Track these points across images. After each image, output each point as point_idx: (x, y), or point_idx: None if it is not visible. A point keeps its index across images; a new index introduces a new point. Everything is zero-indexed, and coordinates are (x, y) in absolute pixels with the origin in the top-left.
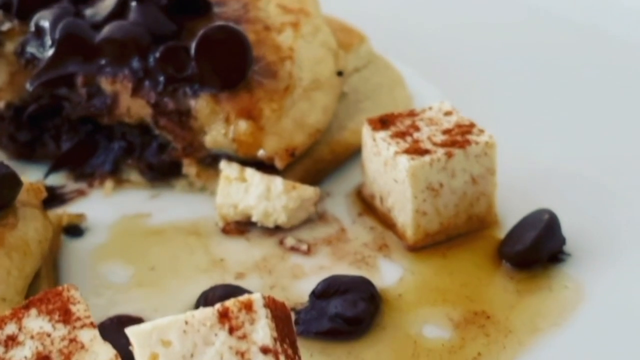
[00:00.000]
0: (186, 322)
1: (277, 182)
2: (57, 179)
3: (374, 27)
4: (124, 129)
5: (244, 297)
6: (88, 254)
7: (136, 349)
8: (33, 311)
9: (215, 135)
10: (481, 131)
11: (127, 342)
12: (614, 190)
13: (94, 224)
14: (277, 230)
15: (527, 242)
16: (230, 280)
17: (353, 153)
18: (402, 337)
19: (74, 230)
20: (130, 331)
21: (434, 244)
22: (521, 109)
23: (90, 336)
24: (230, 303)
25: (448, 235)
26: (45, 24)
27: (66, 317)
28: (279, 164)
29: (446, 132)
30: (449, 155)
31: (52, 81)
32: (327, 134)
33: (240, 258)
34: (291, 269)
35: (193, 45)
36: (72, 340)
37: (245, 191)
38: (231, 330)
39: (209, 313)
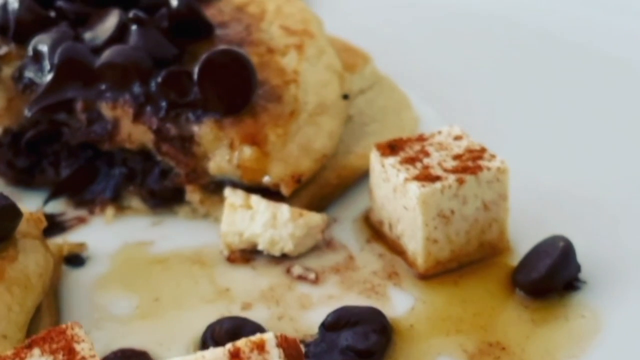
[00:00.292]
0: None
1: (284, 209)
2: (56, 206)
3: (376, 47)
4: (125, 154)
5: (256, 337)
6: (89, 284)
7: None
8: (36, 351)
9: (219, 162)
10: (492, 156)
11: None
12: (628, 215)
13: (95, 252)
14: (283, 258)
15: (542, 270)
16: (236, 311)
17: (359, 177)
18: None
19: (75, 259)
20: None
21: (445, 271)
22: (530, 132)
23: None
24: (241, 343)
25: (459, 263)
26: (44, 48)
27: (70, 356)
28: (285, 190)
29: (457, 157)
30: (461, 182)
31: (51, 106)
32: (333, 158)
33: (246, 287)
34: (299, 299)
35: (196, 70)
36: None
37: (251, 219)
38: None
39: (219, 353)
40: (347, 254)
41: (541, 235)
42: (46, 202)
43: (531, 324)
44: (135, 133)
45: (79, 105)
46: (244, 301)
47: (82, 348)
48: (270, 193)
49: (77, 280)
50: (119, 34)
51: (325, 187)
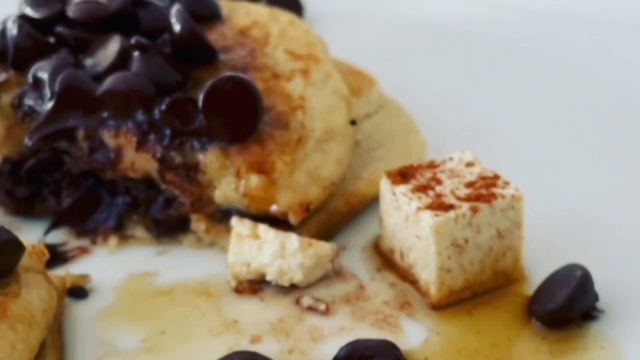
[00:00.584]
0: None
1: (292, 239)
2: (58, 236)
3: (379, 69)
4: (128, 183)
5: None
6: (93, 318)
7: None
8: None
9: (225, 190)
10: (506, 183)
11: None
12: None
13: (99, 284)
14: (292, 288)
15: (560, 300)
16: (245, 344)
17: (368, 204)
18: None
19: (78, 292)
20: None
21: (458, 301)
22: (541, 156)
23: None
24: None
25: (473, 292)
26: (44, 75)
27: None
28: (293, 219)
29: (469, 184)
30: (475, 210)
31: (52, 135)
32: (341, 185)
33: (254, 319)
34: (309, 331)
35: (201, 98)
36: None
37: (259, 249)
38: None
39: None
40: (357, 283)
41: (556, 263)
42: (47, 232)
43: (549, 356)
44: (139, 161)
45: (80, 134)
46: (252, 334)
47: None
48: (278, 222)
49: (80, 313)
50: (121, 61)
51: (334, 215)
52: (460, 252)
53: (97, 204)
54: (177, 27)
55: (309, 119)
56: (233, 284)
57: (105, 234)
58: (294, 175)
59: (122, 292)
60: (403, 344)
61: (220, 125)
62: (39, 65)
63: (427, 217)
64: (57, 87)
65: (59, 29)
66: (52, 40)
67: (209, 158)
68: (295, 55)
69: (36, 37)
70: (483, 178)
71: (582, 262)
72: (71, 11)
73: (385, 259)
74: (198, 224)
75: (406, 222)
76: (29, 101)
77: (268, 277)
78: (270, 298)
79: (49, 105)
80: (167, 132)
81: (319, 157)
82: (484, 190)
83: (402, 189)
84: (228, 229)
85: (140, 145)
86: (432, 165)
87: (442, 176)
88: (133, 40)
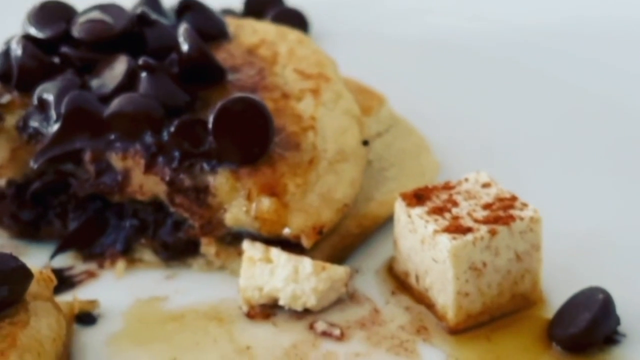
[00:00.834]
0: None
1: (306, 263)
2: (64, 260)
3: (388, 87)
4: (136, 206)
5: None
6: (102, 344)
7: None
8: None
9: (236, 213)
10: (524, 205)
11: None
12: None
13: (107, 309)
14: (305, 313)
15: (582, 325)
16: None
17: (381, 225)
18: None
19: (86, 318)
20: None
21: (476, 325)
22: (557, 176)
23: None
24: None
25: (491, 316)
26: (49, 96)
27: None
28: (305, 242)
29: (487, 206)
30: (493, 233)
31: (58, 157)
32: (354, 206)
33: (267, 345)
34: (324, 357)
35: (211, 119)
36: None
37: (271, 273)
38: None
39: None
40: (372, 307)
41: (574, 286)
42: (53, 256)
43: None
44: (147, 184)
45: (87, 156)
46: None
47: None
48: (289, 244)
49: (89, 340)
50: (128, 82)
51: (346, 237)
52: (478, 275)
53: (104, 227)
54: (185, 47)
55: (320, 139)
56: (245, 308)
57: (112, 258)
58: (306, 197)
59: (131, 318)
60: None
61: (231, 147)
62: (45, 87)
63: (445, 240)
64: (63, 109)
65: (64, 49)
66: (57, 60)
67: (219, 180)
68: (305, 74)
69: (41, 57)
70: (500, 199)
71: (601, 284)
72: (76, 31)
73: (399, 281)
74: (208, 247)
75: (422, 245)
76: (34, 123)
77: (281, 302)
78: (283, 323)
79: (55, 127)
80: (176, 154)
81: (332, 179)
82: (501, 212)
83: (418, 211)
84: (239, 253)
85: (149, 168)
86: (447, 187)
87: (458, 198)
88: (140, 61)
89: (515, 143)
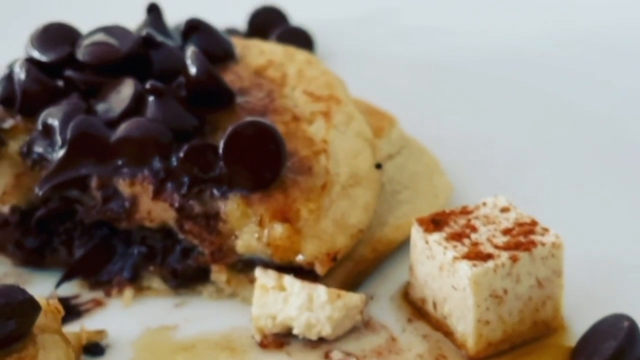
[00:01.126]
0: None
1: (320, 290)
2: (70, 288)
3: (397, 108)
4: (143, 232)
5: None
6: None
7: None
8: None
9: (248, 240)
10: (545, 230)
11: None
12: None
13: (115, 339)
14: (320, 342)
15: (607, 353)
16: None
17: (395, 250)
18: None
19: (94, 348)
20: None
21: (496, 353)
22: (575, 200)
23: None
24: None
25: (512, 344)
26: (54, 121)
27: None
28: (319, 269)
29: (507, 232)
30: (514, 260)
31: (64, 184)
32: (368, 231)
33: None
34: None
35: (222, 144)
36: None
37: (285, 301)
38: None
39: None
40: (388, 335)
41: (597, 313)
42: (59, 284)
43: None
44: (156, 211)
45: (93, 182)
46: None
47: None
48: (302, 271)
49: None
50: (135, 106)
51: (361, 263)
52: (499, 302)
53: (111, 254)
54: (192, 70)
55: (333, 163)
56: (258, 338)
57: (120, 286)
58: (320, 223)
59: (140, 348)
60: None
61: (242, 173)
62: (49, 111)
63: (465, 267)
64: (68, 134)
65: (69, 72)
66: (61, 84)
67: (230, 206)
68: (315, 96)
69: (45, 81)
70: (520, 224)
71: (624, 311)
72: (81, 54)
73: (416, 308)
74: (218, 274)
75: (440, 272)
76: (38, 148)
77: (295, 331)
78: (297, 353)
79: (60, 153)
80: (186, 180)
81: (345, 204)
82: (522, 237)
83: (436, 237)
84: (250, 280)
85: (157, 194)
86: (465, 212)
87: (476, 223)
88: (148, 85)
89: (529, 164)
